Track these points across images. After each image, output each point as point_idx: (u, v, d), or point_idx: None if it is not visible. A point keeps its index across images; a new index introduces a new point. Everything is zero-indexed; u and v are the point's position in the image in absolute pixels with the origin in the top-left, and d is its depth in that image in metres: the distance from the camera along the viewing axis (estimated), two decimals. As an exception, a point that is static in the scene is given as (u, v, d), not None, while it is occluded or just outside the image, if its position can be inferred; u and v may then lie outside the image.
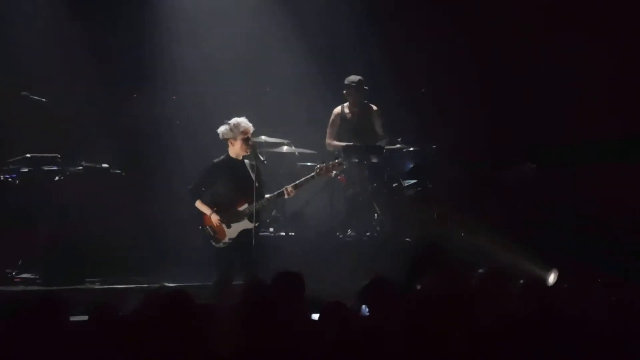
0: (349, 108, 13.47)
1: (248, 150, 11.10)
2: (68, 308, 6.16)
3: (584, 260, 11.52)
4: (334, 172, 12.00)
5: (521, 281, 7.65)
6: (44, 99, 12.18)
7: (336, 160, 11.72)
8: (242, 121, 11.09)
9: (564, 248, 12.06)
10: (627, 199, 12.86)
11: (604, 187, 13.00)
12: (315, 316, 7.60)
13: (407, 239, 12.62)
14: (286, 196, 11.17)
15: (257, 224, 11.04)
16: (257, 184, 10.99)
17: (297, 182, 11.29)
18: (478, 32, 14.35)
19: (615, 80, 13.78)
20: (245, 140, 11.06)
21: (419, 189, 13.25)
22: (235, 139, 11.08)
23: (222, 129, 11.13)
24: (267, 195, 11.14)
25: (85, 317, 6.43)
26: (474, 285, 7.30)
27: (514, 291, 7.29)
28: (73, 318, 6.38)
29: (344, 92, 13.35)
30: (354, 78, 13.33)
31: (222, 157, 11.19)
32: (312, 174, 11.42)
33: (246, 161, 11.18)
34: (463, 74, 14.45)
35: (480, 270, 7.49)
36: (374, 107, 13.47)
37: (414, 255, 7.95)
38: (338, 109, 13.52)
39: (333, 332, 6.03)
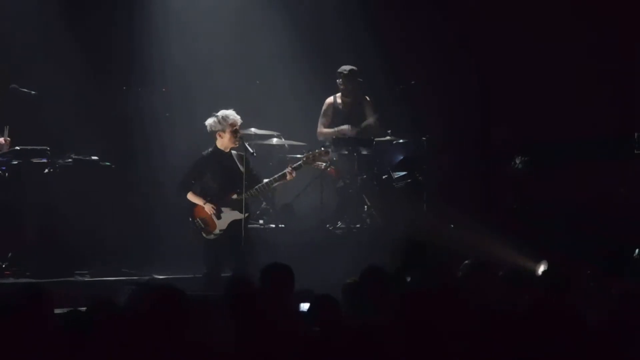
0: (341, 98, 13.47)
1: (237, 143, 11.14)
2: (52, 300, 6.12)
3: (574, 252, 11.53)
4: (322, 161, 12.02)
5: (507, 271, 7.67)
6: (33, 92, 12.15)
7: (322, 149, 11.78)
8: (230, 113, 11.12)
9: (553, 240, 12.07)
10: (617, 194, 12.90)
11: (595, 182, 13.02)
12: (305, 305, 7.61)
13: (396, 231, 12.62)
14: (288, 177, 11.25)
15: (246, 215, 11.09)
16: (245, 176, 11.04)
17: (295, 165, 11.38)
18: (471, 23, 14.33)
19: (607, 78, 13.82)
20: (234, 133, 11.10)
21: (409, 181, 13.24)
22: (223, 131, 11.12)
23: (210, 122, 11.16)
24: (265, 180, 11.20)
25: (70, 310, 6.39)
26: (460, 277, 7.32)
27: (501, 283, 7.30)
28: (58, 310, 6.34)
29: (337, 81, 13.37)
30: (346, 67, 13.34)
31: (210, 149, 11.24)
32: (299, 162, 11.50)
33: (233, 152, 11.22)
34: (454, 65, 14.43)
35: (466, 262, 7.49)
36: (367, 99, 13.48)
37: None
38: (330, 99, 13.53)
39: (321, 325, 6.03)
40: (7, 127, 11.80)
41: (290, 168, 11.31)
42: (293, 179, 11.39)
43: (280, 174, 11.31)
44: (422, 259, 8.16)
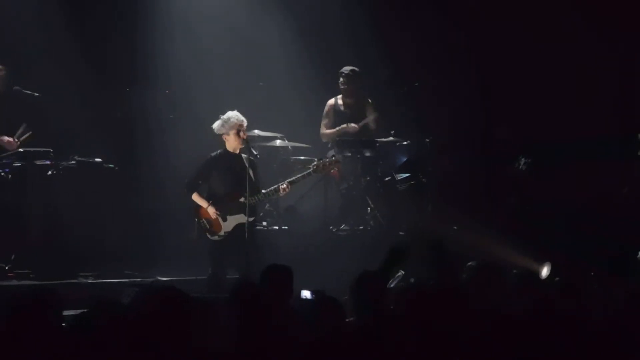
0: (342, 99, 13.47)
1: (242, 144, 11.16)
2: (61, 302, 6.14)
3: (575, 253, 11.54)
4: (334, 166, 12.03)
5: (514, 272, 7.68)
6: (36, 94, 12.18)
7: (333, 158, 11.78)
8: (233, 115, 11.16)
9: (557, 242, 12.08)
10: (619, 194, 12.91)
11: (597, 183, 13.04)
12: (305, 292, 7.64)
13: (400, 233, 12.64)
14: (281, 193, 11.25)
15: (252, 219, 11.09)
16: (252, 178, 11.06)
17: (292, 178, 11.36)
18: (471, 23, 14.34)
19: (607, 78, 13.83)
20: (238, 134, 11.13)
21: (412, 182, 13.26)
22: (227, 133, 11.17)
23: (215, 125, 11.23)
24: (263, 191, 11.20)
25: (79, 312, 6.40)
26: (465, 279, 7.33)
27: (506, 284, 7.32)
28: (66, 312, 6.36)
29: (339, 81, 13.38)
30: (347, 68, 13.35)
31: (219, 151, 11.29)
32: (309, 170, 11.49)
33: (243, 155, 11.24)
34: (455, 66, 14.45)
35: (470, 263, 7.50)
36: (368, 100, 13.48)
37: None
38: (332, 101, 13.53)
39: (324, 327, 6.04)
40: (24, 125, 11.87)
41: (285, 183, 11.29)
42: (287, 192, 11.38)
43: (274, 187, 11.27)
44: (400, 264, 8.18)
